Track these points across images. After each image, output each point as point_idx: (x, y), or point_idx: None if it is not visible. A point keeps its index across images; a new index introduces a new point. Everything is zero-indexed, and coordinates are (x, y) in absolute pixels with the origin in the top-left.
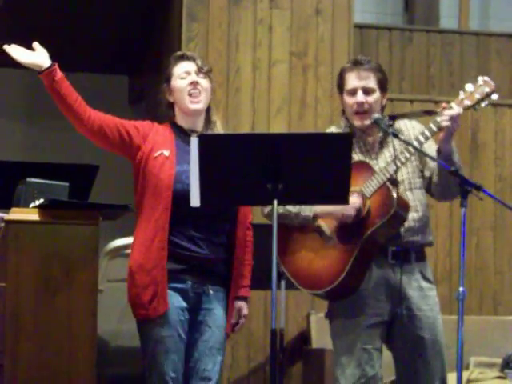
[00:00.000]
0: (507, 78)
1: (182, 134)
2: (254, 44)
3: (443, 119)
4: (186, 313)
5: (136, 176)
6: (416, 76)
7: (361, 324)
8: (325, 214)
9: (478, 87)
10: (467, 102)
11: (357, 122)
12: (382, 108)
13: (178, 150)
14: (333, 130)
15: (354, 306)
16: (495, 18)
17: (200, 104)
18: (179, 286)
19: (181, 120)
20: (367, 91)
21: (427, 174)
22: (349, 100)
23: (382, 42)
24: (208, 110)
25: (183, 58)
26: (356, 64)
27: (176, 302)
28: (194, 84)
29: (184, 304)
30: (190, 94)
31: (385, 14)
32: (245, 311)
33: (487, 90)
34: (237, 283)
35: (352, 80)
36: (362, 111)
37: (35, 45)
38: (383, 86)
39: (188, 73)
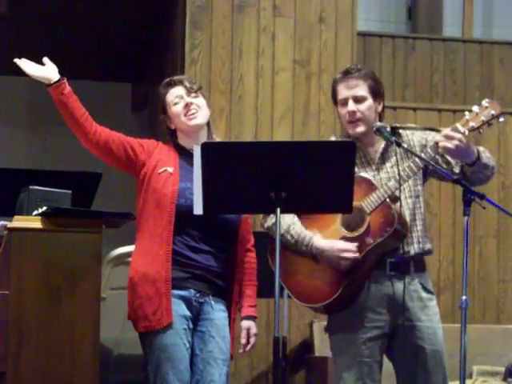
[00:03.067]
0: (510, 85)
1: (185, 154)
2: (258, 52)
3: (441, 140)
4: (189, 322)
5: (139, 190)
6: (419, 84)
7: (360, 338)
8: (321, 256)
9: (484, 109)
10: (472, 124)
11: (351, 131)
12: (380, 115)
13: (181, 169)
14: (332, 140)
15: (353, 319)
16: (498, 26)
17: (198, 119)
18: (182, 293)
19: (183, 141)
20: (358, 100)
21: (457, 169)
22: (341, 110)
23: (385, 49)
24: (209, 127)
25: (171, 84)
26: (346, 74)
27: (180, 310)
28: (188, 105)
29: (188, 313)
30: (185, 115)
31: (388, 21)
32: (254, 330)
33: (493, 112)
34: (237, 304)
35: (342, 90)
36: (355, 120)
37: (45, 60)
38: (376, 92)
39: (180, 97)
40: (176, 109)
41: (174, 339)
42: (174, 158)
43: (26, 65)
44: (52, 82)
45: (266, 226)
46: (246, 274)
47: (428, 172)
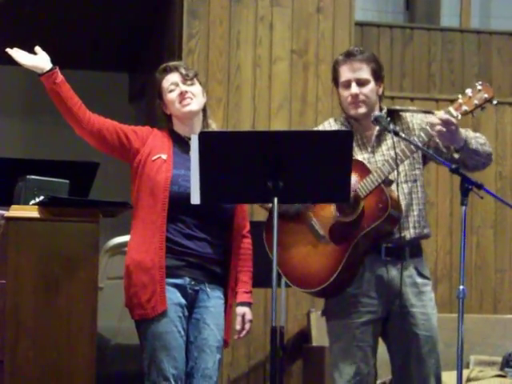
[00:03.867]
0: (508, 76)
1: (180, 141)
2: (255, 41)
3: (437, 123)
4: (184, 310)
5: (133, 178)
6: (417, 74)
7: (354, 322)
8: None
9: (477, 93)
10: (465, 108)
11: (353, 111)
12: (380, 97)
13: (174, 156)
14: (330, 122)
15: (347, 304)
16: (496, 16)
17: (192, 105)
18: (177, 281)
19: (178, 127)
20: (361, 82)
21: (456, 155)
22: (344, 92)
23: (382, 39)
24: (204, 114)
25: (167, 70)
26: (348, 56)
27: (175, 298)
28: (183, 94)
29: (183, 300)
30: (179, 102)
31: (386, 11)
32: (249, 316)
33: (486, 96)
34: (234, 291)
35: (345, 72)
36: (358, 102)
37: (37, 49)
38: (378, 75)
39: (175, 84)
40: (171, 96)
41: (168, 327)
42: (168, 145)
43: (17, 54)
44: (44, 71)
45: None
46: (241, 259)
47: (427, 156)
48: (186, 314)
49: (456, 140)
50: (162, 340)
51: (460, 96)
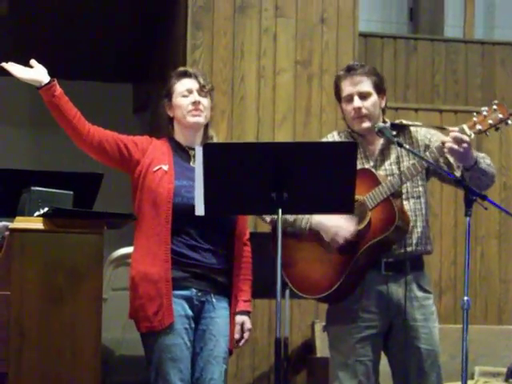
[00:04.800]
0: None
1: (180, 151)
2: (259, 53)
3: (449, 141)
4: (191, 321)
5: (134, 189)
6: (421, 85)
7: (354, 337)
8: (319, 228)
9: (492, 112)
10: (479, 127)
11: (356, 126)
12: (383, 110)
13: (175, 166)
14: (334, 135)
15: (347, 320)
16: (500, 26)
17: (201, 118)
18: (184, 293)
19: (179, 135)
20: (363, 96)
21: (458, 172)
22: (346, 107)
23: (386, 50)
24: (206, 125)
25: (185, 74)
26: (349, 70)
27: (182, 310)
28: (196, 104)
29: (189, 312)
30: (189, 111)
31: (390, 22)
32: (248, 325)
33: (501, 116)
34: (236, 298)
35: (347, 86)
36: (361, 116)
37: (33, 62)
38: (379, 88)
39: (190, 91)
40: (182, 101)
41: (175, 339)
42: (168, 155)
43: (14, 68)
44: (42, 84)
45: (268, 220)
46: (242, 268)
47: (430, 171)
48: (193, 325)
49: (467, 158)
50: (169, 352)
51: (475, 114)
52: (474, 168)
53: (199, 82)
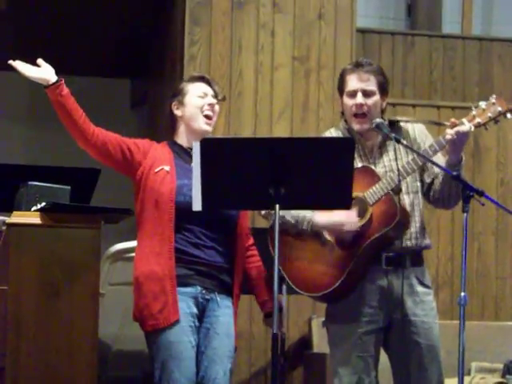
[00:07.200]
0: (509, 82)
1: (181, 152)
2: (257, 48)
3: (451, 134)
4: (196, 319)
5: (136, 191)
6: (418, 81)
7: (355, 332)
8: (322, 228)
9: (491, 105)
10: (478, 120)
11: (356, 126)
12: (382, 111)
13: (177, 167)
14: (332, 131)
15: (348, 314)
16: (498, 23)
17: (211, 127)
18: (189, 290)
19: (182, 138)
20: (367, 93)
21: (428, 179)
22: (348, 101)
23: (384, 46)
24: None
25: (202, 79)
26: (357, 66)
27: (186, 307)
28: (212, 106)
29: (195, 310)
30: (205, 115)
31: (387, 18)
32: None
33: (500, 109)
34: (238, 298)
35: (352, 82)
36: (361, 113)
37: (40, 61)
38: (383, 89)
39: (206, 94)
40: (198, 101)
41: (179, 337)
42: (170, 157)
43: (22, 67)
44: (50, 83)
45: (263, 212)
46: (251, 268)
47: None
48: (197, 323)
49: (459, 152)
50: (174, 350)
51: (474, 108)
52: (459, 166)
53: (214, 90)
